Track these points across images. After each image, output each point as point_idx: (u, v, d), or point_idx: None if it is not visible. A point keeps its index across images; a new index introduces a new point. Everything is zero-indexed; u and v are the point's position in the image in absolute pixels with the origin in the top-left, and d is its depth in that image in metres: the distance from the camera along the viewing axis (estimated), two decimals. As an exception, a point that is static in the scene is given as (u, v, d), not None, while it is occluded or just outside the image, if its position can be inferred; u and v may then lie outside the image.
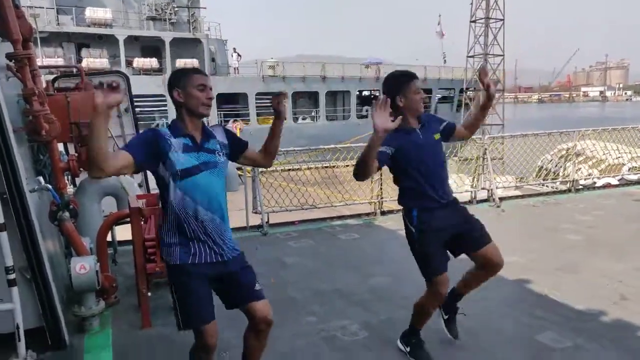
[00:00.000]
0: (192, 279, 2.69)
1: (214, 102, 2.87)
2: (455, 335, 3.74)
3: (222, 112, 30.92)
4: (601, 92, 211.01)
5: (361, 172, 3.02)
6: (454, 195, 3.47)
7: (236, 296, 2.82)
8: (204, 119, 2.76)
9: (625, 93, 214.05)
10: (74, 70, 7.65)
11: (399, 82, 3.26)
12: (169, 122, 2.76)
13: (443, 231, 3.32)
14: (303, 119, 34.70)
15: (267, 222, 7.50)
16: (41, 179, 4.48)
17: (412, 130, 3.27)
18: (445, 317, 3.75)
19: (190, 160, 2.61)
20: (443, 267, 3.31)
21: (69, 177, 6.04)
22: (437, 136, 3.36)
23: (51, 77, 7.07)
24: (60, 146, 5.87)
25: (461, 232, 3.36)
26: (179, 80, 2.67)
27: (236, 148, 2.87)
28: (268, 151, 2.99)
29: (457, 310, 3.76)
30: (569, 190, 9.72)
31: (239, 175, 9.57)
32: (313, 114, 34.94)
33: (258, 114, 31.64)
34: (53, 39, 27.61)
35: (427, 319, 3.56)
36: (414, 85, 3.24)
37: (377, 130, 2.80)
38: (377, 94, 37.11)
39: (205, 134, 2.72)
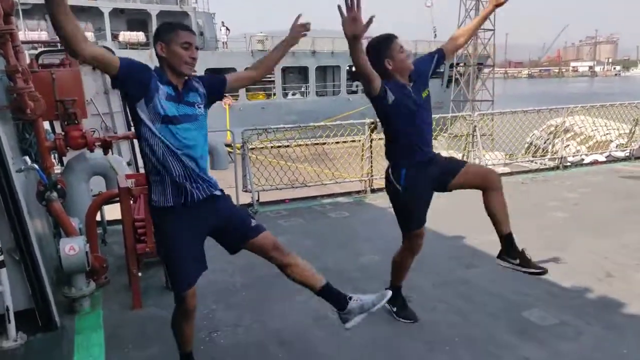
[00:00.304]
0: (178, 230, 2.73)
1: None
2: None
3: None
4: (590, 67, 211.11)
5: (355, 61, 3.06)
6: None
7: (236, 236, 2.89)
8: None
9: (614, 68, 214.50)
10: (58, 45, 7.50)
11: (382, 47, 3.30)
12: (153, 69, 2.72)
13: (428, 186, 3.47)
14: (293, 94, 34.44)
15: (258, 200, 7.50)
16: (27, 158, 4.43)
17: (406, 86, 3.35)
18: (517, 262, 3.60)
19: (171, 109, 2.63)
20: (423, 221, 3.52)
21: (56, 156, 5.99)
22: (425, 93, 3.45)
23: (35, 52, 6.94)
24: (46, 124, 5.81)
25: (441, 174, 3.49)
26: (164, 34, 2.66)
27: (215, 89, 2.86)
28: (266, 64, 3.02)
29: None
30: (557, 167, 9.80)
31: (229, 153, 9.51)
32: (303, 89, 34.68)
33: (247, 89, 31.33)
34: (36, 11, 26.97)
35: (406, 273, 3.73)
36: (397, 45, 3.29)
37: (348, 38, 2.88)
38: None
39: (187, 86, 2.72)
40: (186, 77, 2.73)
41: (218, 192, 2.87)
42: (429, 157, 3.47)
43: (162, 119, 2.61)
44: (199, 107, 2.75)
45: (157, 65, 2.72)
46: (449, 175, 3.48)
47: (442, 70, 38.73)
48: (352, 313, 3.02)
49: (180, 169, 2.68)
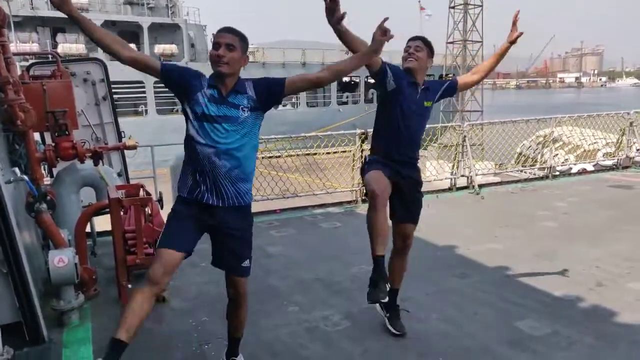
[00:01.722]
0: (183, 209, 2.88)
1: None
2: (403, 331, 3.78)
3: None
4: (577, 78, 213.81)
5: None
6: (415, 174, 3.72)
7: (224, 259, 3.02)
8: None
9: (600, 79, 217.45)
10: (50, 56, 7.48)
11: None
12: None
13: (391, 172, 3.53)
14: (283, 105, 34.48)
15: (249, 210, 7.46)
16: (17, 169, 4.38)
17: (414, 85, 3.55)
18: (386, 315, 3.86)
19: (212, 109, 2.76)
20: (378, 173, 3.48)
21: (46, 167, 5.93)
22: (428, 103, 3.62)
23: (26, 64, 6.91)
24: (37, 136, 5.76)
25: (398, 194, 3.59)
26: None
27: (268, 92, 2.88)
28: (337, 69, 3.01)
29: (398, 308, 3.88)
30: (547, 177, 9.87)
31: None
32: (293, 100, 34.75)
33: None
34: (27, 23, 26.94)
35: (378, 237, 3.37)
36: (407, 44, 3.59)
37: (333, 27, 3.06)
38: (357, 81, 37.07)
39: (235, 89, 2.81)
40: (239, 78, 2.83)
41: (237, 203, 2.93)
42: (403, 161, 3.59)
43: (201, 117, 2.76)
44: (244, 110, 2.82)
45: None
46: (401, 212, 3.67)
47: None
48: None
49: (208, 167, 2.79)
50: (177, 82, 2.81)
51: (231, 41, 2.74)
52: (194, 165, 2.83)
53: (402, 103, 3.49)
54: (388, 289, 3.36)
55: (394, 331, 3.77)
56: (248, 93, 2.83)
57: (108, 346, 2.74)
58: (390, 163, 3.55)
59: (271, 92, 2.89)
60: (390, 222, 3.53)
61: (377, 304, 3.84)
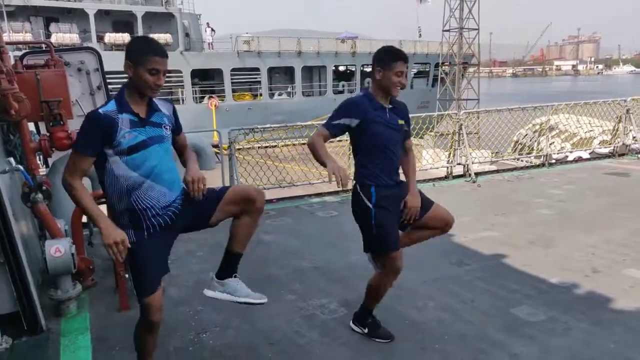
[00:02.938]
0: (148, 246, 2.67)
1: (187, 78, 2.91)
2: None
3: (196, 89, 30.43)
4: (573, 66, 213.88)
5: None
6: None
7: (204, 209, 2.81)
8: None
9: (597, 67, 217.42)
10: (43, 46, 7.41)
11: (386, 57, 3.28)
12: (116, 93, 2.68)
13: (397, 207, 3.40)
14: (279, 94, 34.39)
15: (245, 200, 7.45)
16: (12, 160, 4.36)
17: (380, 108, 3.32)
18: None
19: (137, 136, 2.59)
20: (398, 243, 3.37)
21: (41, 157, 5.90)
22: (402, 122, 3.41)
23: (19, 53, 6.85)
24: (31, 125, 5.72)
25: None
26: (134, 55, 2.57)
27: (174, 129, 2.83)
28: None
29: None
30: (543, 165, 9.89)
31: (216, 154, 9.48)
32: (289, 89, 34.63)
33: (233, 90, 31.22)
34: (20, 13, 26.67)
35: (381, 299, 3.58)
36: (397, 67, 3.23)
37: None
38: (353, 69, 36.93)
39: (152, 108, 2.69)
40: (149, 100, 2.69)
41: (180, 200, 2.77)
42: (396, 184, 3.41)
43: (129, 150, 2.57)
44: (166, 129, 2.72)
45: (121, 87, 2.68)
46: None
47: (427, 69, 38.94)
48: (222, 286, 3.00)
49: (147, 201, 2.64)
50: (103, 142, 2.55)
51: (166, 67, 2.62)
52: (137, 203, 2.62)
53: (378, 131, 3.28)
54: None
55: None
56: (164, 111, 2.75)
57: None
58: (390, 189, 3.37)
59: (176, 127, 2.85)
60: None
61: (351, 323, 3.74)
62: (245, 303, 3.00)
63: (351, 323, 3.74)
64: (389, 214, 3.34)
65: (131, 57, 2.57)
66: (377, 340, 3.61)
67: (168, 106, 2.81)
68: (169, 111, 2.79)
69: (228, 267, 2.99)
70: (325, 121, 3.40)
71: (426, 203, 3.50)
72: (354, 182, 3.50)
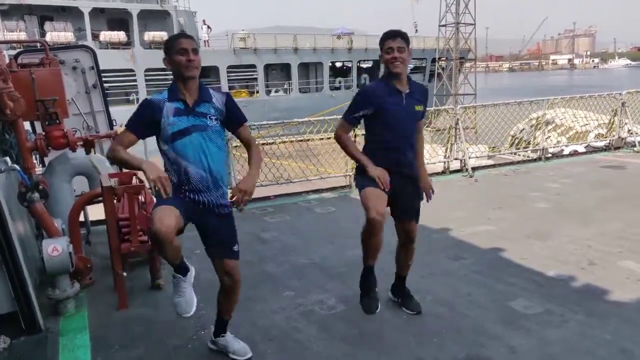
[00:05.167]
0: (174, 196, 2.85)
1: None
2: (418, 309, 3.87)
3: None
4: (570, 60, 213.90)
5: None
6: (414, 170, 3.70)
7: (214, 247, 3.09)
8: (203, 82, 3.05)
9: (593, 60, 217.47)
10: (38, 44, 7.40)
11: (380, 40, 3.50)
12: (168, 87, 2.95)
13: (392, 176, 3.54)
14: (276, 91, 34.36)
15: (243, 197, 7.45)
16: (8, 159, 4.34)
17: (397, 93, 3.47)
18: (398, 300, 3.98)
19: (180, 123, 2.85)
20: (374, 185, 3.50)
21: (37, 156, 5.89)
22: (419, 107, 3.57)
23: (14, 52, 6.83)
24: (27, 125, 5.71)
25: (399, 193, 3.61)
26: (167, 48, 2.88)
27: (231, 119, 3.05)
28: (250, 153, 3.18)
29: (408, 292, 3.98)
30: (539, 159, 9.91)
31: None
32: (286, 86, 34.60)
33: (230, 87, 31.18)
34: (14, 12, 26.59)
35: (371, 254, 3.75)
36: (386, 44, 3.44)
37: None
38: (350, 66, 36.90)
39: (200, 98, 2.92)
40: (203, 87, 2.95)
41: (221, 210, 3.04)
42: (399, 172, 3.57)
43: (174, 136, 2.85)
44: (211, 119, 2.93)
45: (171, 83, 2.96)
46: (402, 211, 3.71)
47: (424, 65, 38.92)
48: (217, 344, 3.42)
49: (189, 181, 2.90)
50: (151, 126, 2.88)
51: (196, 45, 2.89)
52: (180, 181, 2.92)
53: (389, 116, 3.45)
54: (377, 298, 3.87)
55: (409, 312, 3.85)
56: (215, 104, 2.96)
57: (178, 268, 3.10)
58: (392, 168, 3.54)
59: (233, 117, 3.06)
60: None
61: (390, 293, 4.02)
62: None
63: (364, 310, 3.93)
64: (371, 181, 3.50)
65: (166, 51, 2.89)
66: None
67: (220, 97, 3.01)
68: (220, 103, 2.98)
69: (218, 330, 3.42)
70: (344, 113, 3.64)
71: (411, 211, 3.72)
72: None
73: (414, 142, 3.63)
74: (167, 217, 2.73)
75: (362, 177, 3.58)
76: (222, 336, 3.38)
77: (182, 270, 3.09)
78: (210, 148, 2.91)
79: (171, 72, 2.91)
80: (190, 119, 2.86)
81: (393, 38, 3.43)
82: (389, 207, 3.63)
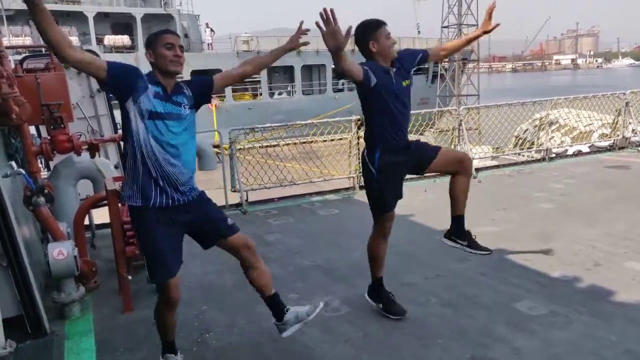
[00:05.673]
0: (157, 225, 2.85)
1: (187, 79, 3.03)
2: (488, 250, 3.88)
3: (196, 89, 30.38)
4: (573, 60, 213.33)
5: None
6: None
7: (210, 233, 3.03)
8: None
9: (596, 60, 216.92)
10: (43, 49, 7.42)
11: (370, 29, 3.47)
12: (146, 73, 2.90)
13: (401, 172, 3.65)
14: (279, 94, 34.36)
15: (247, 200, 7.48)
16: (13, 163, 4.37)
17: (387, 72, 3.49)
18: (466, 243, 3.91)
19: (158, 106, 2.80)
20: (393, 205, 3.66)
21: (43, 160, 5.93)
22: (406, 83, 3.58)
23: (19, 57, 6.87)
24: (32, 129, 5.75)
25: (417, 160, 3.65)
26: (150, 41, 2.87)
27: (201, 90, 3.02)
28: (258, 62, 3.22)
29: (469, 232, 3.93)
30: (543, 159, 9.89)
31: (217, 154, 9.51)
32: (289, 88, 34.61)
33: (233, 90, 31.19)
34: (19, 17, 26.64)
35: (383, 262, 3.82)
36: (384, 31, 3.45)
37: (331, 51, 3.10)
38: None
39: (176, 89, 2.90)
40: (177, 80, 2.91)
41: (196, 195, 3.00)
42: (404, 144, 3.61)
43: (150, 115, 2.77)
44: (185, 108, 2.90)
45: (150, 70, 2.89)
46: (424, 161, 3.65)
47: (426, 66, 38.87)
48: (288, 323, 3.19)
49: (160, 171, 2.82)
50: (124, 81, 2.75)
51: (182, 43, 2.91)
52: (147, 170, 2.81)
53: (385, 92, 3.46)
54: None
55: (482, 253, 3.86)
56: (186, 93, 2.94)
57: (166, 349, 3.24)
58: (395, 155, 3.56)
59: (203, 91, 3.03)
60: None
61: (450, 241, 3.97)
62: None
63: (366, 295, 3.95)
64: (389, 184, 3.57)
65: (148, 45, 2.87)
66: (390, 316, 3.80)
67: (186, 86, 2.97)
68: (188, 90, 2.95)
69: (275, 309, 3.27)
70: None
71: (429, 152, 3.66)
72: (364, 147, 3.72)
73: (409, 117, 3.68)
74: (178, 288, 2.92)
75: (378, 175, 3.55)
76: (287, 311, 3.19)
77: (175, 350, 3.27)
78: (183, 137, 2.88)
79: (152, 66, 2.86)
80: (167, 105, 2.82)
81: (386, 24, 3.48)
82: (416, 174, 3.77)
